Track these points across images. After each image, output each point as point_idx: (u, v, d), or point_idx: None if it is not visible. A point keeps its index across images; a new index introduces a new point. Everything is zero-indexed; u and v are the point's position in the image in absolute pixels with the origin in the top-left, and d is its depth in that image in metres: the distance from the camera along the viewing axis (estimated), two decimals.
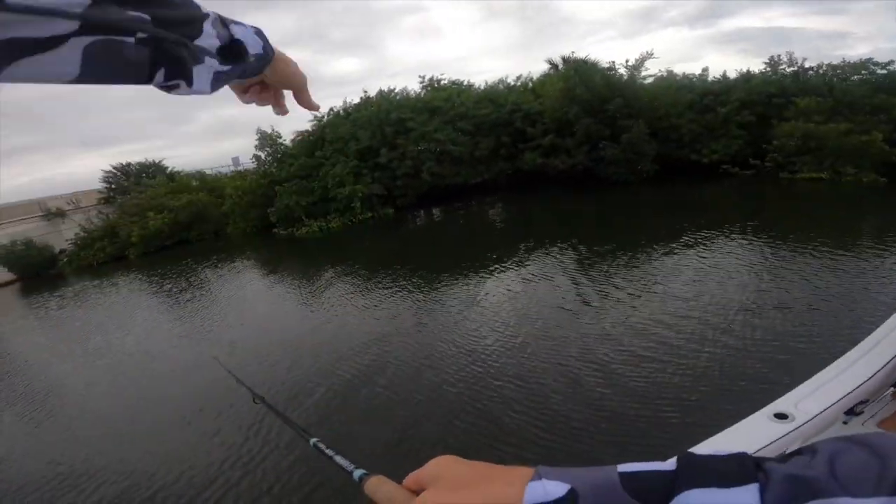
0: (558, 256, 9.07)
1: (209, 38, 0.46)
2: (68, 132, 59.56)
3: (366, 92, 19.70)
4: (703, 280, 7.05)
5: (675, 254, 8.38)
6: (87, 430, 5.90)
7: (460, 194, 17.02)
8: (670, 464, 0.36)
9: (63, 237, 21.54)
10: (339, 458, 0.61)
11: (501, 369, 5.37)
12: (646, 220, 11.72)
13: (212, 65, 0.48)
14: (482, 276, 8.57)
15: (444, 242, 12.52)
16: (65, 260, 21.02)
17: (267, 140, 19.49)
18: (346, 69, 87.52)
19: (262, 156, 19.61)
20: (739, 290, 6.49)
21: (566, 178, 15.95)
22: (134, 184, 23.44)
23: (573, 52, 17.67)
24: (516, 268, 8.76)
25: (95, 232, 20.99)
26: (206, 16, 0.46)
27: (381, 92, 19.44)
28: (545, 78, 18.78)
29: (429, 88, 19.37)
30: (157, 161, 25.79)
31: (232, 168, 27.35)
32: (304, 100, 0.67)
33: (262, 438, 4.77)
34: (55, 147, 58.45)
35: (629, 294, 6.92)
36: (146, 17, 0.38)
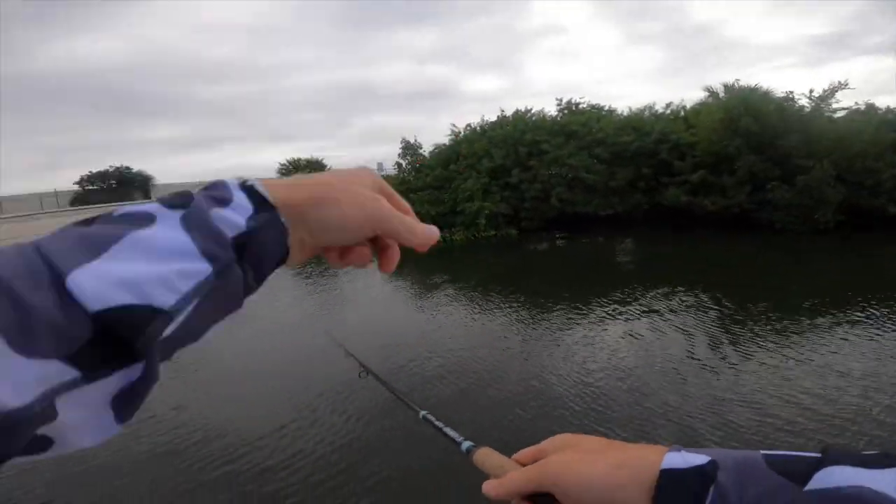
0: (697, 306, 8.04)
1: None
2: (258, 128, 72.19)
3: (503, 111, 20.19)
4: (881, 360, 5.74)
5: (847, 323, 6.95)
6: (216, 385, 6.82)
7: (588, 224, 16.35)
8: (815, 451, 0.37)
9: None
10: (448, 430, 0.62)
11: (607, 410, 5.03)
12: (816, 278, 9.86)
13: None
14: (602, 313, 8.03)
15: (564, 271, 12.10)
16: None
17: (409, 150, 21.18)
18: (485, 87, 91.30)
19: (403, 164, 21.33)
20: None
21: (715, 221, 14.24)
22: None
23: (737, 79, 15.54)
24: (644, 311, 7.98)
25: None
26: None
27: (517, 112, 19.72)
28: (701, 106, 17.02)
29: (565, 111, 19.10)
30: (319, 158, 29.70)
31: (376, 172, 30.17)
32: (404, 237, 0.43)
33: (365, 409, 5.15)
34: (248, 140, 71.35)
35: (780, 359, 5.93)
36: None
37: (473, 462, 0.52)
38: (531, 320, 8.09)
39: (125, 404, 0.30)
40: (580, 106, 19.16)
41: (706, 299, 8.35)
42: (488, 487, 0.46)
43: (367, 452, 4.49)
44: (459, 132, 20.26)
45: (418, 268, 14.87)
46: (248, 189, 0.35)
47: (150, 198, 26.06)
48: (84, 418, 0.28)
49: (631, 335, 7.02)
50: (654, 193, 15.91)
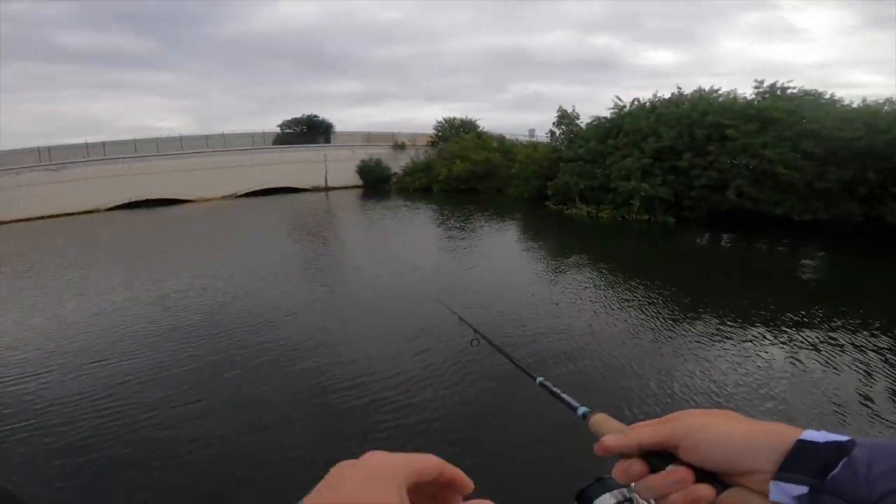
0: (891, 348, 6.25)
1: None
2: (420, 87, 76.43)
3: (679, 88, 17.89)
4: None
5: None
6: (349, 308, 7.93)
7: (767, 226, 13.69)
8: None
9: (399, 164, 28.47)
10: (565, 396, 0.63)
11: None
12: None
13: None
14: (760, 330, 6.66)
15: (724, 275, 10.37)
16: (394, 181, 27.96)
17: (565, 118, 20.23)
18: (658, 61, 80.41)
19: (557, 132, 20.56)
20: None
21: None
22: (454, 135, 28.42)
23: None
24: (817, 339, 6.31)
25: (419, 165, 27.09)
26: None
27: (699, 90, 17.26)
28: None
29: (766, 95, 15.90)
30: (473, 119, 30.39)
31: (527, 138, 29.76)
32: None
33: (479, 373, 5.31)
34: (410, 97, 76.31)
35: None
36: None
37: (589, 426, 0.52)
38: (671, 320, 7.20)
39: None
40: (788, 91, 15.81)
41: None
42: (611, 440, 0.45)
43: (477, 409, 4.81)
44: (624, 106, 18.64)
45: (556, 237, 14.55)
46: None
47: (330, 142, 30.09)
48: None
49: (791, 360, 5.81)
50: (875, 203, 12.51)
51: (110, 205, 21.56)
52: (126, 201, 21.92)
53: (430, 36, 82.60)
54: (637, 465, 0.44)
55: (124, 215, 20.36)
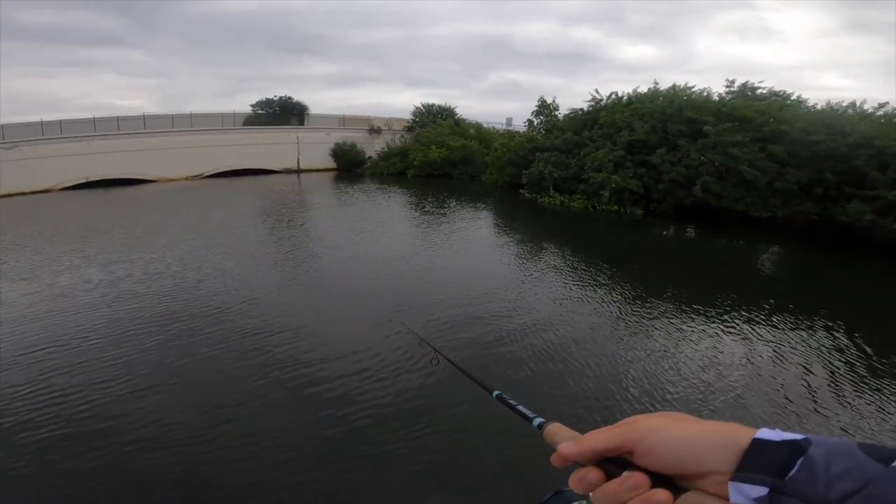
0: (834, 347, 6.28)
1: None
2: (399, 72, 74.94)
3: (656, 83, 18.06)
4: None
5: None
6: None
7: (729, 221, 14.15)
8: None
9: (374, 148, 28.01)
10: (521, 408, 0.64)
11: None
12: None
13: None
14: (718, 325, 6.90)
15: (687, 268, 10.63)
16: (368, 164, 27.56)
17: (545, 109, 20.26)
18: (637, 55, 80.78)
19: (535, 122, 20.57)
20: None
21: None
22: (430, 121, 28.06)
23: None
24: (771, 334, 6.60)
25: (394, 150, 26.76)
26: None
27: (675, 86, 17.48)
28: None
29: (736, 94, 16.24)
30: (451, 107, 30.02)
31: (504, 126, 29.68)
32: None
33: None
34: (388, 81, 74.80)
35: None
36: None
37: (544, 437, 0.52)
38: (633, 308, 7.44)
39: None
40: (758, 91, 16.16)
41: (847, 341, 6.42)
42: (565, 448, 0.44)
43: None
44: (601, 99, 18.80)
45: (529, 226, 14.63)
46: None
47: (304, 124, 29.25)
48: None
49: (748, 357, 5.94)
50: (829, 204, 13.00)
51: (66, 184, 20.48)
52: (83, 180, 20.87)
53: (411, 20, 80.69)
54: (593, 473, 0.42)
55: (79, 195, 19.40)
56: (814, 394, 5.17)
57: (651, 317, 7.14)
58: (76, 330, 6.21)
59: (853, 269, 10.62)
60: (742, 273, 10.36)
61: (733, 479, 0.37)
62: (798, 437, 0.38)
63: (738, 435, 0.39)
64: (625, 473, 0.41)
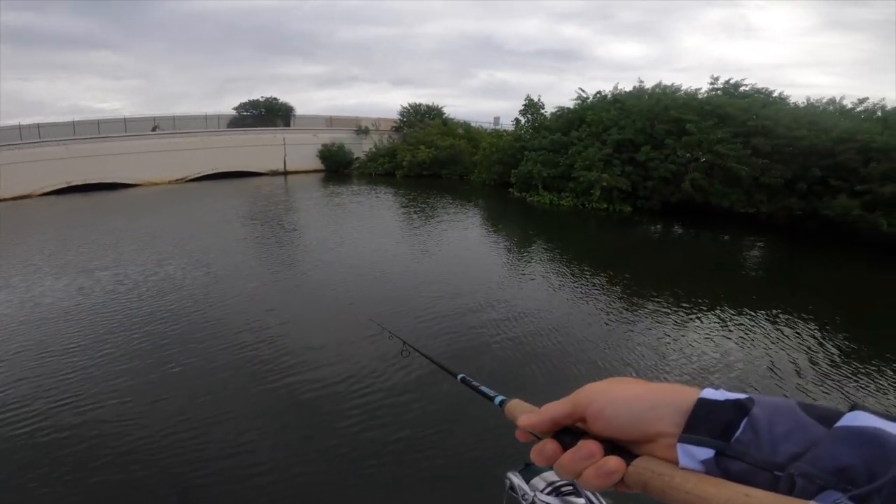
0: (811, 341, 6.23)
1: None
2: (387, 71, 74.68)
3: (642, 82, 18.18)
4: None
5: None
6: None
7: (716, 218, 14.25)
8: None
9: (362, 149, 27.78)
10: (484, 388, 0.67)
11: None
12: None
13: None
14: (706, 322, 6.83)
15: (675, 264, 10.67)
16: (356, 165, 27.33)
17: (532, 108, 20.25)
18: (624, 53, 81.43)
19: (523, 121, 20.56)
20: None
21: (889, 246, 11.20)
22: (418, 120, 27.93)
23: None
24: (750, 327, 6.57)
25: (382, 150, 26.54)
26: None
27: (660, 85, 17.58)
28: None
29: (719, 92, 16.39)
30: (439, 106, 29.91)
31: (492, 126, 29.64)
32: None
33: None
34: (376, 81, 74.49)
35: None
36: None
37: (506, 413, 0.54)
38: (621, 303, 7.41)
39: None
40: (741, 88, 16.34)
41: (829, 337, 6.36)
42: (524, 419, 0.46)
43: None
44: (588, 98, 18.85)
45: (518, 223, 14.59)
46: None
47: (290, 125, 28.94)
48: None
49: (730, 349, 5.90)
50: (814, 200, 13.06)
51: (45, 189, 19.96)
52: (63, 185, 20.36)
53: (399, 19, 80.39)
54: (549, 445, 0.43)
55: (59, 200, 18.91)
56: (797, 384, 5.17)
57: (638, 309, 7.15)
58: (54, 338, 5.97)
59: (836, 263, 10.73)
60: (729, 266, 10.44)
61: (680, 440, 0.37)
62: (741, 396, 0.38)
63: (683, 395, 0.39)
64: (579, 443, 0.41)
